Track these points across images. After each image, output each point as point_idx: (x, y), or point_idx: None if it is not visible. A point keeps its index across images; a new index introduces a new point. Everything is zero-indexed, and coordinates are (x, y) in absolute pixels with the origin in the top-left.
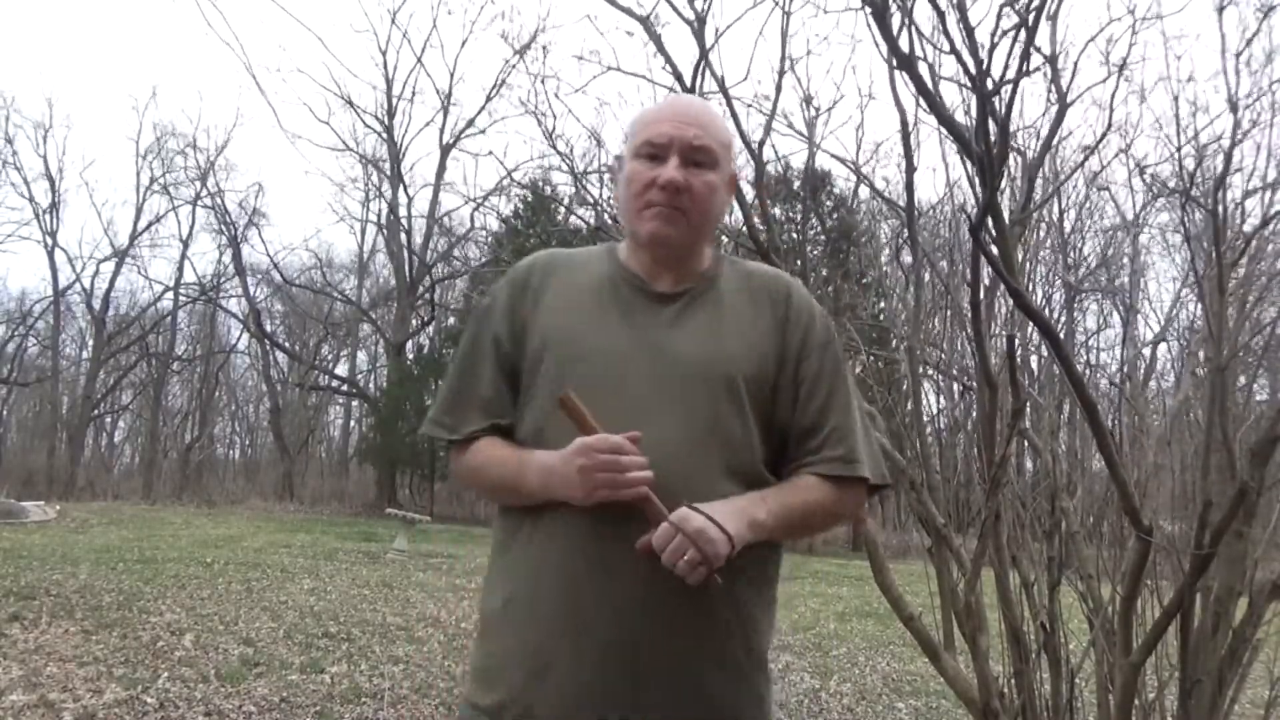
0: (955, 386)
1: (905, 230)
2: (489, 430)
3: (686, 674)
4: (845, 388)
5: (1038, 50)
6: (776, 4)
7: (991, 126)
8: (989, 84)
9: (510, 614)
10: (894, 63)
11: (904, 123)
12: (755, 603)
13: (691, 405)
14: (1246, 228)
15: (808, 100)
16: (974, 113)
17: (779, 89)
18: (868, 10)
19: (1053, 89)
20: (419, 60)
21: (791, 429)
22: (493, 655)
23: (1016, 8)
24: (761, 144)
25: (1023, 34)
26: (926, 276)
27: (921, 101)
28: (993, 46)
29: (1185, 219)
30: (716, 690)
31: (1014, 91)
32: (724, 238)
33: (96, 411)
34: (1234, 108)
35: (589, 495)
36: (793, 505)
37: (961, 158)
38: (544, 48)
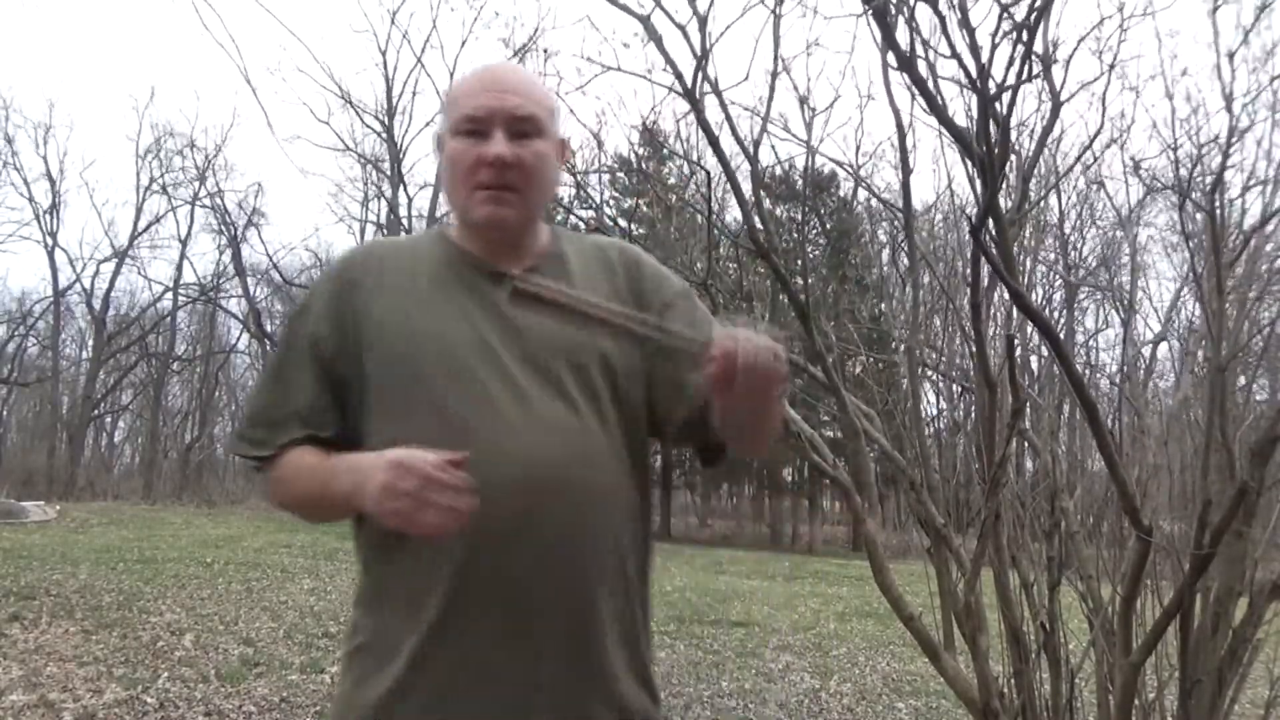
0: (954, 387)
1: (903, 231)
2: (304, 442)
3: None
4: (715, 324)
5: (1038, 57)
6: (766, 6)
7: (991, 127)
8: (991, 86)
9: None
10: (894, 64)
11: (899, 124)
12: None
13: (566, 382)
14: (1245, 225)
15: (803, 101)
16: (975, 114)
17: (773, 90)
18: (869, 12)
19: (1045, 86)
20: (419, 60)
21: (676, 371)
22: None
23: (1014, 10)
24: (756, 145)
25: (1024, 35)
26: (925, 278)
27: (921, 102)
28: (994, 47)
29: (1183, 217)
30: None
31: (1015, 94)
32: (723, 238)
33: (96, 411)
34: (1229, 106)
35: (382, 518)
36: None
37: (962, 158)
38: (544, 50)
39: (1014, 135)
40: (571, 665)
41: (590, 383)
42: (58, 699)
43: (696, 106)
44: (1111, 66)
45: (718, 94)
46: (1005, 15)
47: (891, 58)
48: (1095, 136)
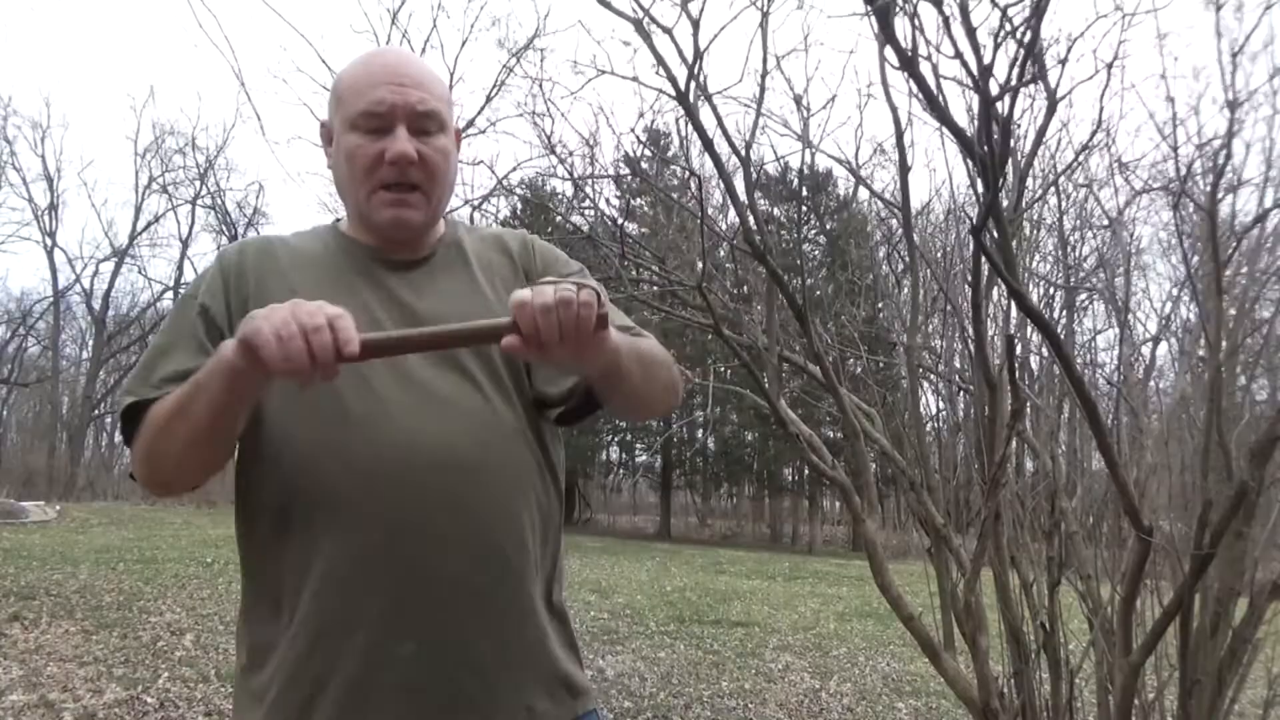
0: (953, 387)
1: (899, 232)
2: None
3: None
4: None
5: (1036, 59)
6: (757, 8)
7: (992, 127)
8: (993, 86)
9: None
10: (894, 64)
11: (897, 122)
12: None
13: (468, 363)
14: (1238, 226)
15: (798, 101)
16: (976, 114)
17: (762, 89)
18: (870, 11)
19: (1040, 85)
20: None
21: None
22: None
23: (1015, 9)
24: (748, 147)
25: (1025, 35)
26: (923, 277)
27: (922, 102)
28: (996, 47)
29: (1178, 217)
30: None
31: (1015, 94)
32: (722, 239)
33: (96, 411)
34: (1230, 106)
35: (279, 358)
36: (633, 341)
37: (963, 158)
38: (541, 51)
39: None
40: (504, 658)
41: (492, 363)
42: (58, 699)
43: (689, 109)
44: (1110, 65)
45: (707, 97)
46: (1005, 19)
47: (892, 57)
48: (1093, 135)
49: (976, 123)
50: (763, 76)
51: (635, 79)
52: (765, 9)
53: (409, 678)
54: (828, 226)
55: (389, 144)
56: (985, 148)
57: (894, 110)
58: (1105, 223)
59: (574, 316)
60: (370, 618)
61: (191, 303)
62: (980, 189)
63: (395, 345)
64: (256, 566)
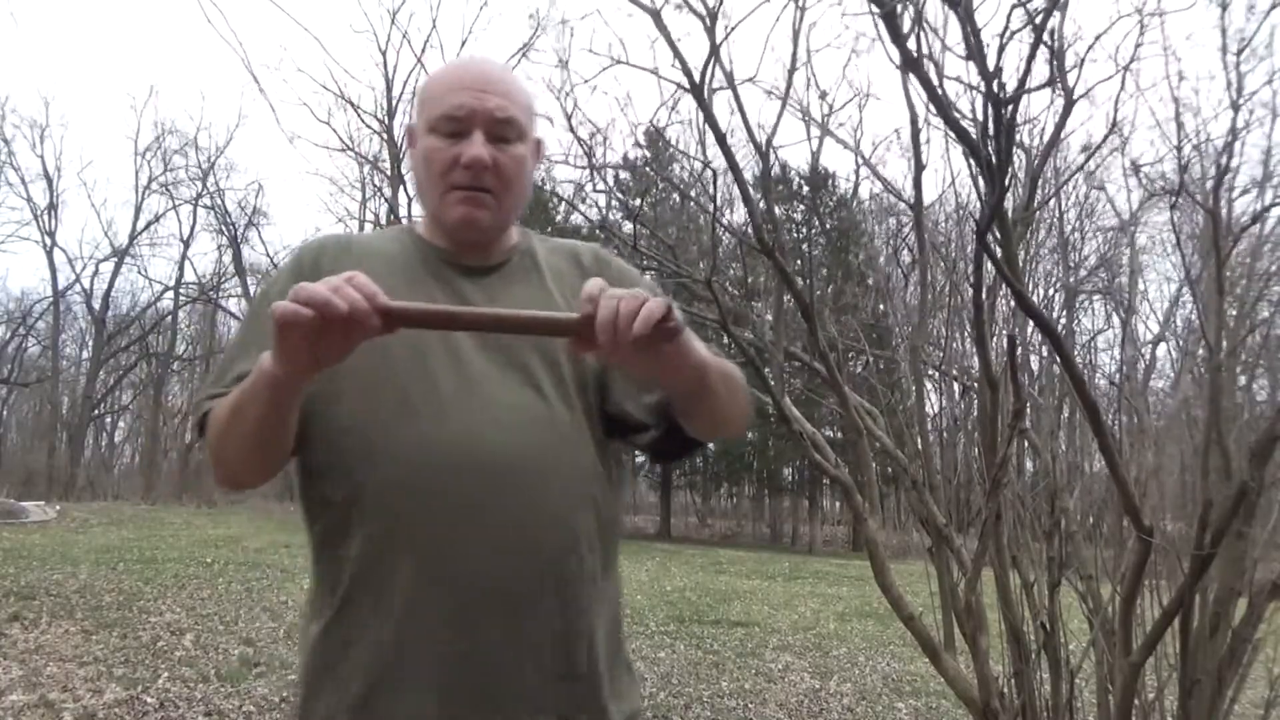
0: (956, 386)
1: (906, 229)
2: None
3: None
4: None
5: (1054, 55)
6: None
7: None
8: (1000, 90)
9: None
10: (899, 65)
11: (914, 119)
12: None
13: (534, 370)
14: (1237, 225)
15: (823, 95)
16: (981, 115)
17: (789, 85)
18: (876, 12)
19: (1058, 85)
20: (419, 60)
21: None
22: None
23: (1029, 8)
24: (769, 140)
25: (1036, 39)
26: (929, 276)
27: (925, 104)
28: (1001, 48)
29: (1175, 219)
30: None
31: (1019, 98)
32: (726, 234)
33: (96, 411)
34: (1235, 107)
35: (306, 317)
36: (719, 360)
37: (967, 159)
38: (569, 25)
39: (1023, 134)
40: (550, 668)
41: (559, 372)
42: (58, 699)
43: (704, 104)
44: (1126, 68)
45: (732, 87)
46: (1017, 10)
47: (899, 58)
48: (1106, 137)
49: (982, 125)
50: (790, 72)
51: (654, 71)
52: (802, 4)
53: (439, 677)
54: (828, 226)
55: (465, 148)
56: (990, 150)
57: (911, 106)
58: (1108, 223)
59: (641, 312)
60: (400, 614)
61: (265, 302)
62: (984, 190)
63: (446, 319)
64: (314, 554)
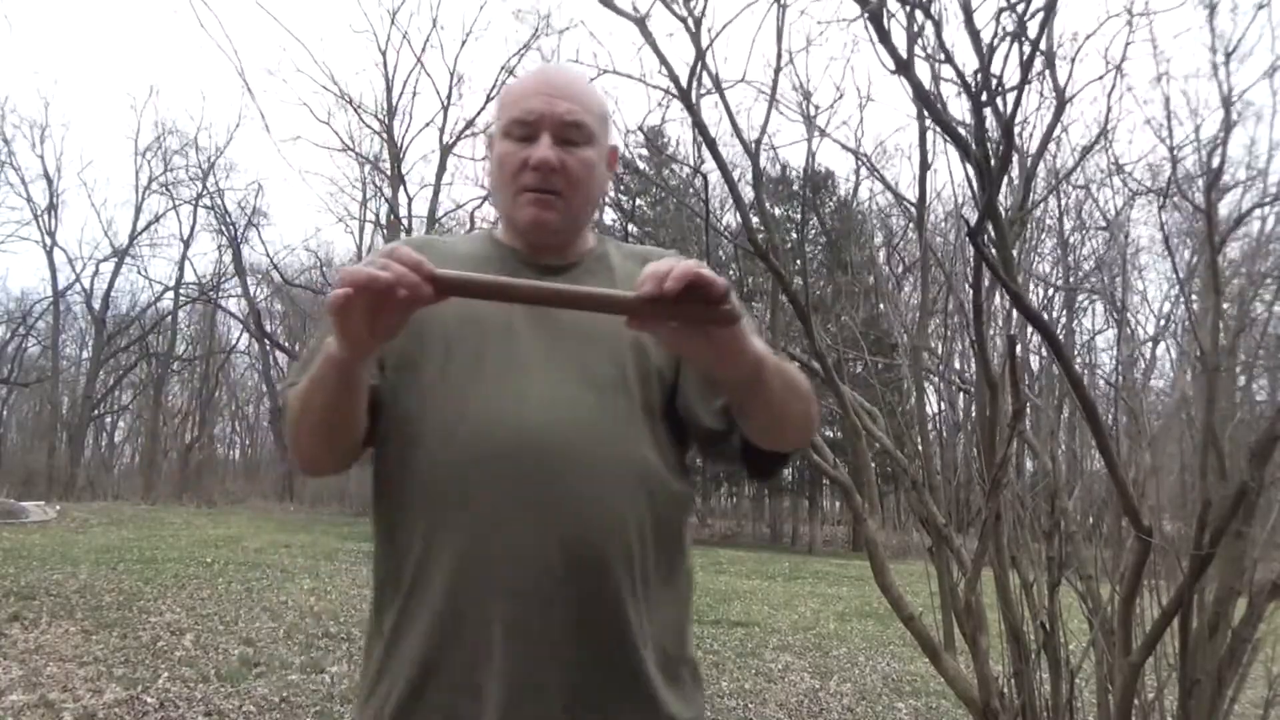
0: (954, 387)
1: (906, 230)
2: None
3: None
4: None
5: (1042, 53)
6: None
7: (993, 126)
8: (988, 88)
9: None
10: (890, 68)
11: (921, 120)
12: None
13: (594, 368)
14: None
15: (807, 96)
16: (971, 116)
17: (775, 84)
18: (865, 14)
19: (1050, 85)
20: (419, 60)
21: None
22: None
23: (1017, 10)
24: (758, 141)
25: (1028, 33)
26: (930, 276)
27: (917, 105)
28: (991, 50)
29: (1167, 218)
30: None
31: (1018, 96)
32: (724, 238)
33: (96, 411)
34: (1226, 105)
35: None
36: (777, 359)
37: (962, 160)
38: (559, 31)
39: (1016, 135)
40: (592, 659)
41: (623, 371)
42: (58, 699)
43: (692, 109)
44: (1118, 68)
45: (719, 90)
46: (1006, 12)
47: (889, 61)
48: (1100, 137)
49: (973, 124)
50: (776, 71)
51: (640, 78)
52: (784, 1)
53: (475, 667)
54: (826, 225)
55: (533, 150)
56: (981, 150)
57: (919, 108)
58: (1103, 224)
59: (685, 271)
60: (441, 603)
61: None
62: (977, 191)
63: (499, 289)
64: (376, 540)
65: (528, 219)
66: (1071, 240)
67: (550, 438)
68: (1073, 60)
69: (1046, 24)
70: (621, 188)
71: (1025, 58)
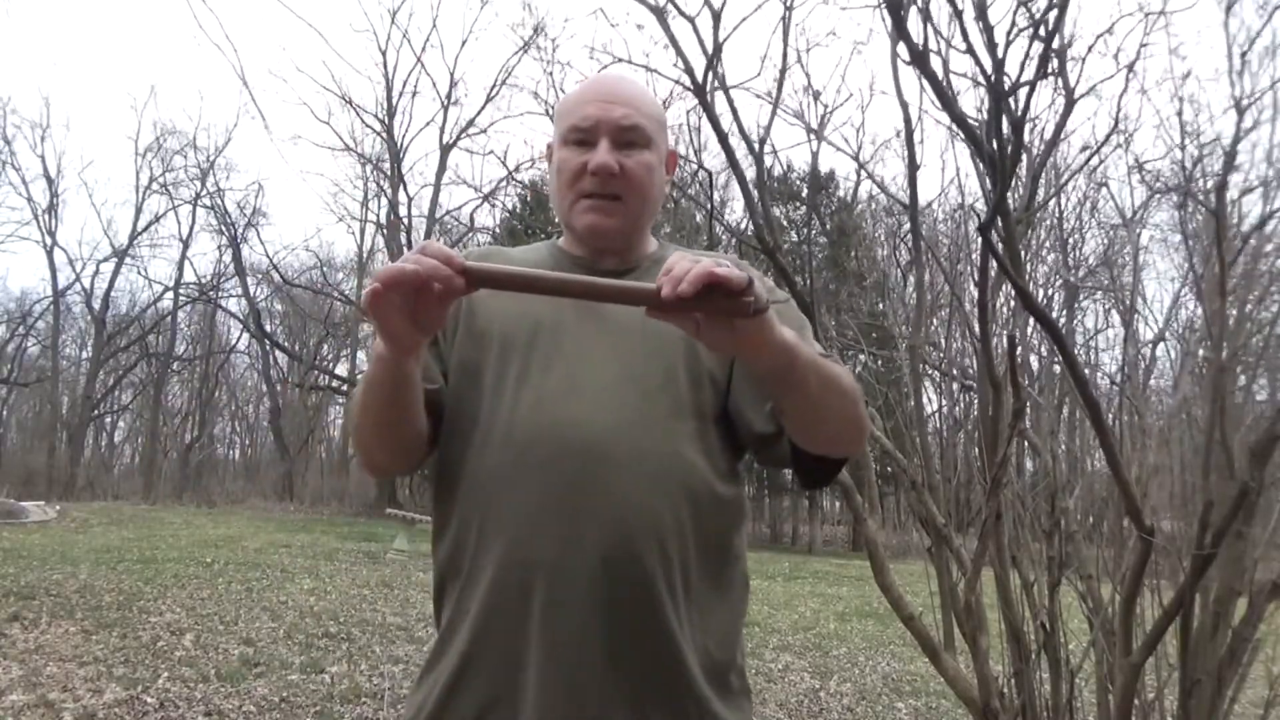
0: (955, 385)
1: (905, 229)
2: None
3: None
4: (799, 323)
5: (1055, 53)
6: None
7: (1005, 124)
8: (1005, 83)
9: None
10: (906, 59)
11: (907, 121)
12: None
13: (643, 371)
14: (1245, 227)
15: (816, 96)
16: (987, 111)
17: (780, 86)
18: (883, 7)
19: (1059, 83)
20: (419, 60)
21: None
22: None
23: (1032, 8)
24: (762, 142)
25: (1041, 31)
26: (927, 276)
27: (933, 97)
28: (1008, 44)
29: (1184, 217)
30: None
31: (1031, 92)
32: (725, 236)
33: (96, 411)
34: (1238, 107)
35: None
36: (816, 356)
37: (972, 156)
38: (553, 40)
39: (1025, 133)
40: (627, 661)
41: (672, 373)
42: (58, 699)
43: (705, 102)
44: (1130, 67)
45: (725, 90)
46: (1021, 8)
47: (904, 52)
48: (1109, 136)
49: (988, 119)
50: (782, 72)
51: (651, 69)
52: (789, 4)
53: (509, 663)
54: (827, 226)
55: (591, 156)
56: (995, 145)
57: (904, 106)
58: (1109, 221)
59: (697, 270)
60: (485, 597)
61: None
62: (989, 186)
63: (526, 281)
64: (434, 538)
65: (587, 225)
66: (1074, 239)
67: (591, 439)
68: (1083, 60)
69: (1059, 20)
70: None
71: (1041, 53)
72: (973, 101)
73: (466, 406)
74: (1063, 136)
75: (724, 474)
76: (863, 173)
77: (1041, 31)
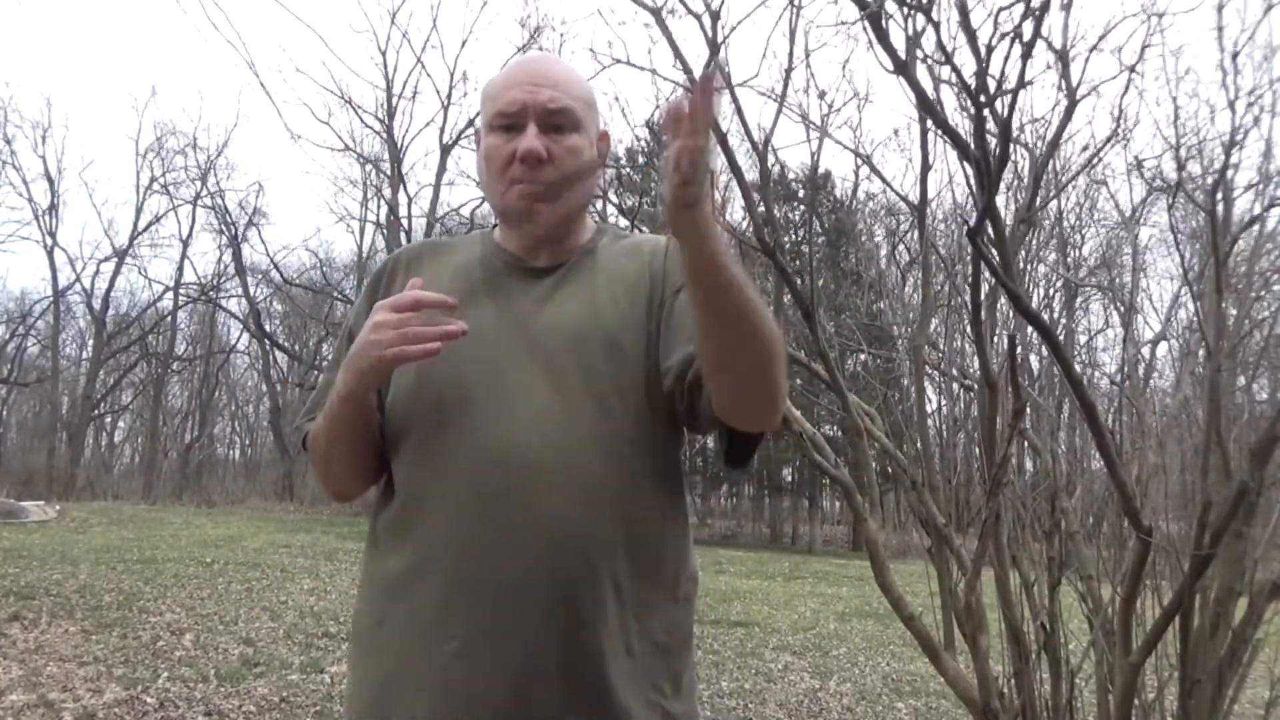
0: (955, 386)
1: (906, 229)
2: None
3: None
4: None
5: (1056, 53)
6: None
7: (992, 126)
8: (986, 90)
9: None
10: (888, 69)
11: (922, 120)
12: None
13: (567, 374)
14: (1236, 224)
15: (821, 95)
16: (973, 117)
17: (785, 86)
18: (864, 17)
19: (1062, 84)
20: (419, 60)
21: (685, 331)
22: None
23: (1012, 13)
24: (767, 141)
25: (1025, 34)
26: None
27: (916, 106)
28: (989, 50)
29: (1177, 217)
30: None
31: (1014, 97)
32: (726, 235)
33: (96, 411)
34: (1233, 105)
35: (380, 358)
36: (751, 291)
37: (960, 161)
38: (561, 33)
39: (1025, 134)
40: (556, 672)
41: (596, 375)
42: (58, 699)
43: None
44: (1131, 68)
45: (730, 90)
46: (1003, 14)
47: (889, 62)
48: (1107, 141)
49: (972, 124)
50: (788, 71)
51: (651, 70)
52: (798, 3)
53: (448, 674)
54: (825, 226)
55: (519, 141)
56: (980, 150)
57: (922, 107)
58: (1109, 221)
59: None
60: (426, 614)
61: (357, 320)
62: (976, 191)
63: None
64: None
65: (515, 211)
66: (1073, 239)
67: (522, 458)
68: (1085, 61)
69: (1037, 28)
70: (622, 189)
71: (1021, 56)
72: (961, 106)
73: (392, 424)
74: (1064, 139)
75: (661, 475)
76: (861, 173)
77: (1025, 34)
